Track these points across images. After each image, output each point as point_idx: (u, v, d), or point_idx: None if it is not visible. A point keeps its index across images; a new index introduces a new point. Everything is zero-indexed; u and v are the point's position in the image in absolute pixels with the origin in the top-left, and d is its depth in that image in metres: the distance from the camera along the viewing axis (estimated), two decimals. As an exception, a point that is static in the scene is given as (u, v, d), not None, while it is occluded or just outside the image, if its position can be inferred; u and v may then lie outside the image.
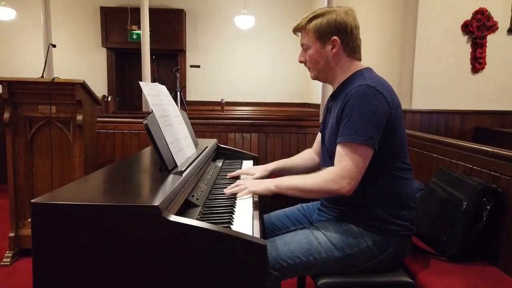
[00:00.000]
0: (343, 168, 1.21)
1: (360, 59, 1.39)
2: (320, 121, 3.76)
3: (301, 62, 1.43)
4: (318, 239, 1.30)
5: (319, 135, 1.63)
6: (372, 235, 1.29)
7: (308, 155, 1.70)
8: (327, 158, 1.40)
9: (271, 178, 1.56)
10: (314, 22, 1.33)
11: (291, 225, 1.55)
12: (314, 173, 1.29)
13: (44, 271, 0.93)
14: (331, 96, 1.45)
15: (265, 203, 1.48)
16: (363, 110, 1.21)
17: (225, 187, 1.48)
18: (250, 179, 1.57)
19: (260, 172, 1.62)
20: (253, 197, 1.36)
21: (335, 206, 1.38)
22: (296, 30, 1.41)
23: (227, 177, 1.63)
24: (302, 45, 1.40)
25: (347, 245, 1.29)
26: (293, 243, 1.29)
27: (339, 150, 1.24)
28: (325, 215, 1.42)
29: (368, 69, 1.36)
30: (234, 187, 1.40)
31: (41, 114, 2.35)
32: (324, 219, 1.40)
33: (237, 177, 1.63)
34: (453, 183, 1.65)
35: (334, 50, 1.33)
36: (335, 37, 1.31)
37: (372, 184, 1.28)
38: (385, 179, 1.29)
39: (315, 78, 1.43)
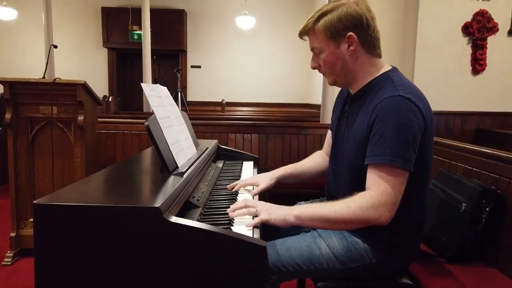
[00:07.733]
0: (384, 193, 1.05)
1: (380, 56, 1.22)
2: (321, 121, 3.77)
3: (314, 68, 1.27)
4: (321, 248, 1.24)
5: (328, 136, 1.52)
6: (378, 253, 1.21)
7: (319, 159, 1.55)
8: (343, 169, 1.27)
9: (279, 186, 1.48)
10: (323, 21, 1.16)
11: (292, 228, 1.53)
12: (344, 199, 1.10)
13: (46, 271, 0.94)
14: (350, 98, 1.29)
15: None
16: (399, 127, 1.06)
17: (226, 188, 1.48)
18: (253, 192, 1.40)
19: (266, 180, 1.45)
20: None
21: None
22: (303, 33, 1.23)
23: (228, 187, 1.47)
24: (312, 49, 1.23)
25: (350, 258, 1.22)
26: (295, 249, 1.23)
27: (374, 173, 1.08)
28: None
29: (395, 71, 1.22)
30: (243, 211, 1.15)
31: (43, 114, 2.36)
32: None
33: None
34: (453, 185, 1.65)
35: (351, 48, 1.16)
36: (350, 33, 1.14)
37: None
38: (404, 206, 1.11)
39: (333, 83, 1.27)
